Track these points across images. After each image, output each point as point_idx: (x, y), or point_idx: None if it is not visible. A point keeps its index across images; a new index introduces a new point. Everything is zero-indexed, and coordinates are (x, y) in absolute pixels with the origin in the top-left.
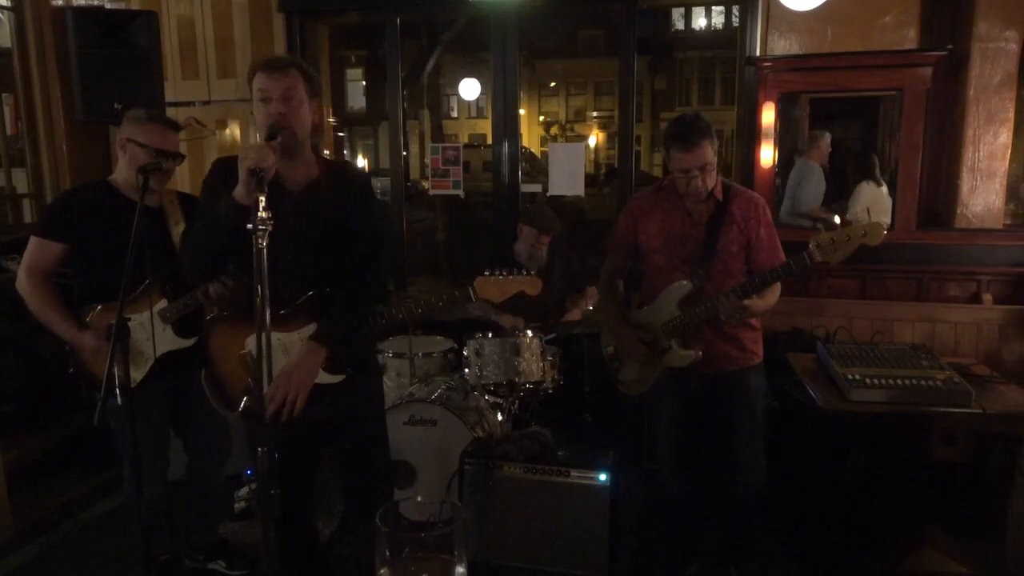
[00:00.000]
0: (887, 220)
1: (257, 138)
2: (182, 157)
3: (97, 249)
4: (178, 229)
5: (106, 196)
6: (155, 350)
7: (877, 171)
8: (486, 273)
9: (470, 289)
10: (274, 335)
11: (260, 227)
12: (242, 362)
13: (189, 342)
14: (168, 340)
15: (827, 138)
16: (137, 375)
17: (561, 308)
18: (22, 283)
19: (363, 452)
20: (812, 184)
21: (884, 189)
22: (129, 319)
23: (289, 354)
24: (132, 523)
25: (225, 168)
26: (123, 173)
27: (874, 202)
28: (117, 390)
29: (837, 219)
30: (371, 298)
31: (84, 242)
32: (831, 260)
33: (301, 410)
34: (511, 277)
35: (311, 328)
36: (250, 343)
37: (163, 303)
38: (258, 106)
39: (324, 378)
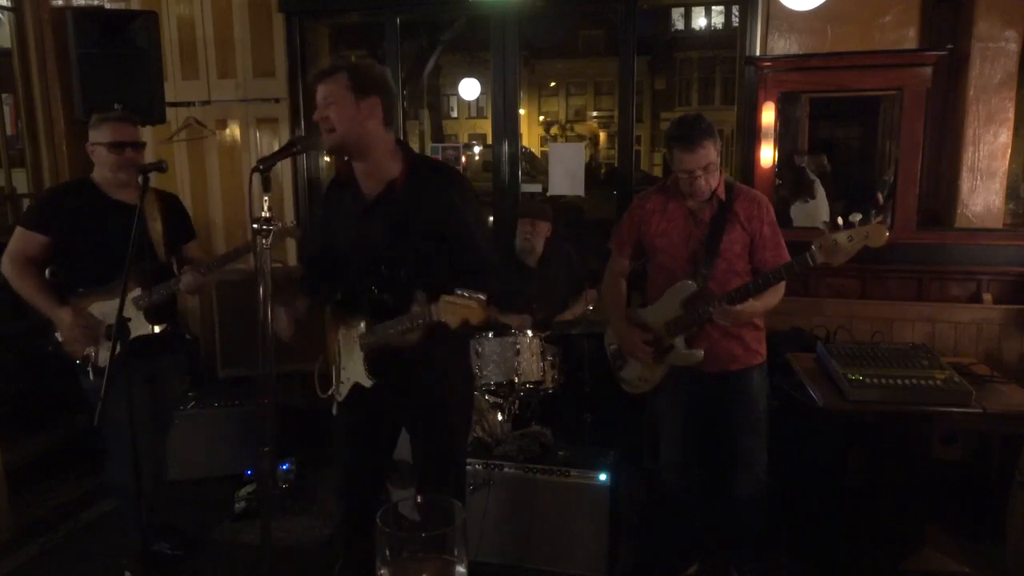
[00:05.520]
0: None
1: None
2: (142, 145)
3: (78, 243)
4: (155, 226)
5: (88, 194)
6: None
7: (812, 188)
8: (457, 294)
9: (432, 308)
10: (342, 331)
11: (264, 227)
12: (329, 352)
13: (156, 329)
14: (138, 325)
15: None
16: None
17: (562, 307)
18: (5, 267)
19: (432, 440)
20: None
21: (814, 201)
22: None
23: (351, 351)
24: (126, 519)
25: (331, 185)
26: (98, 174)
27: (805, 216)
28: (90, 368)
29: (840, 220)
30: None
31: (66, 236)
32: (833, 262)
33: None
34: (460, 301)
35: (361, 326)
36: (332, 338)
37: (137, 291)
38: None
39: (365, 381)
